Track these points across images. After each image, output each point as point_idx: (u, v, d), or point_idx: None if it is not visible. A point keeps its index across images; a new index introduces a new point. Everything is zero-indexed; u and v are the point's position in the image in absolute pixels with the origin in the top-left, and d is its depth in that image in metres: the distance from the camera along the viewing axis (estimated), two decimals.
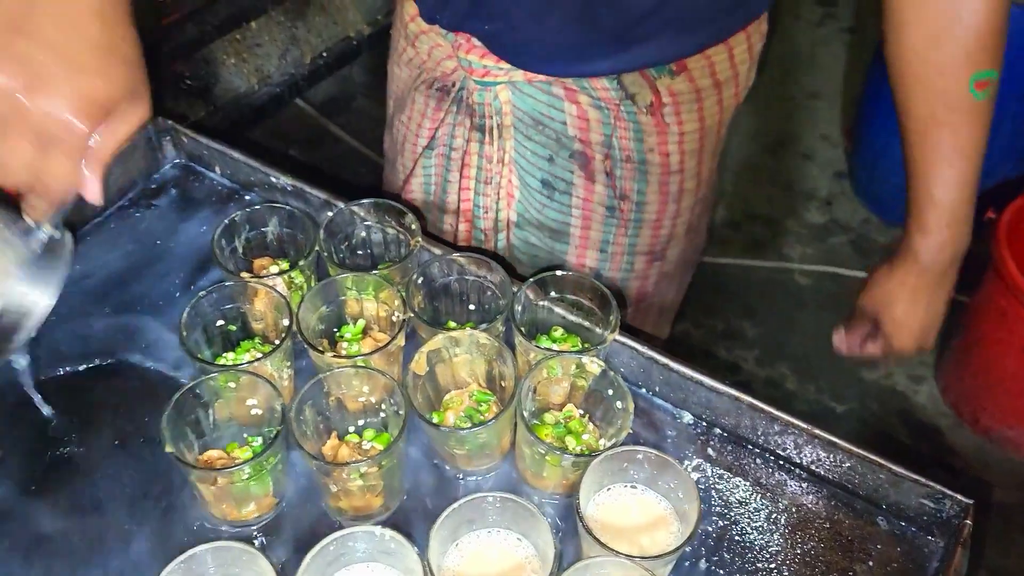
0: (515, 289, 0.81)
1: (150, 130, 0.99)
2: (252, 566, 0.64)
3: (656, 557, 0.64)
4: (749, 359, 2.25)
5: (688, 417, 0.83)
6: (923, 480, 0.73)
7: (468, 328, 0.78)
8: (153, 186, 1.01)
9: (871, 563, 0.74)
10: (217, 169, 1.00)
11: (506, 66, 0.97)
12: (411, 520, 0.75)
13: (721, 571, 0.73)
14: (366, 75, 2.66)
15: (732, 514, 0.77)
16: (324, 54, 1.86)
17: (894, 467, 0.74)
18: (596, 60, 0.95)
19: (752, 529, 0.76)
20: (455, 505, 0.66)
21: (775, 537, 0.75)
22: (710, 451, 0.81)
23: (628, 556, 0.63)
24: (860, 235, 2.51)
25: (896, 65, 0.89)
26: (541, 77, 0.97)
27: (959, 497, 0.72)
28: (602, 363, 0.74)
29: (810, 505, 0.77)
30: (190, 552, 0.63)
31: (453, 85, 1.04)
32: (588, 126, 1.00)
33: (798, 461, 0.79)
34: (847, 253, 2.47)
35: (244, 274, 0.82)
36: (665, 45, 0.94)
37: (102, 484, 0.77)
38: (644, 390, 0.84)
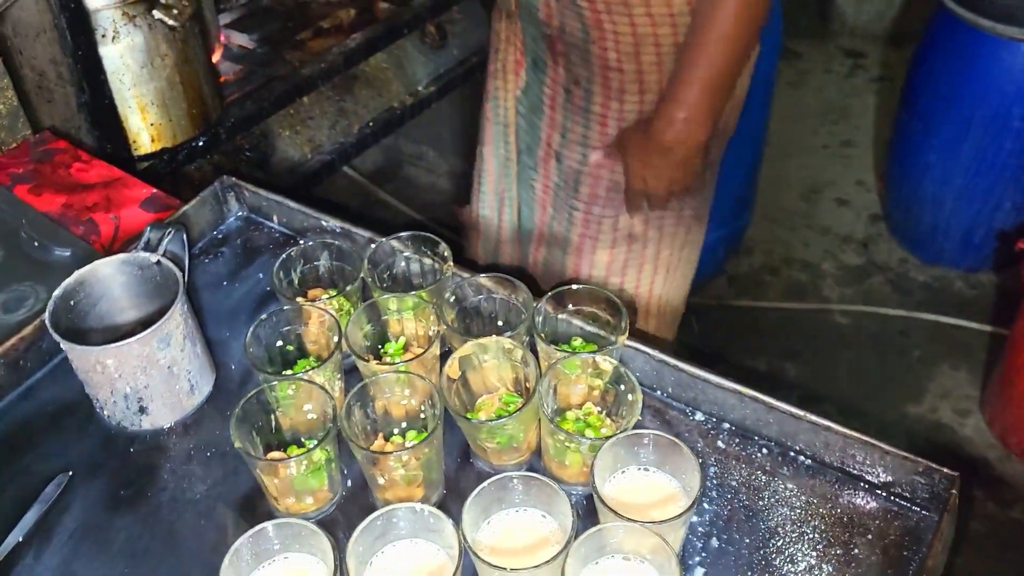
0: (536, 303, 0.91)
1: (216, 187, 1.12)
2: (311, 540, 0.73)
3: (661, 522, 0.72)
4: (792, 399, 2.30)
5: (699, 415, 0.91)
6: (913, 457, 0.80)
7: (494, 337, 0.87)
8: (219, 236, 1.14)
9: (870, 536, 0.80)
10: (275, 218, 1.13)
11: None
12: (449, 510, 0.84)
13: (731, 547, 0.81)
14: (412, 146, 2.83)
15: (740, 498, 0.84)
16: (371, 123, 2.02)
17: (886, 446, 0.81)
18: None
19: (759, 510, 0.83)
20: (485, 484, 0.74)
21: (780, 517, 0.82)
22: (720, 443, 0.89)
23: (639, 521, 0.71)
24: (899, 274, 2.55)
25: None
26: None
27: (946, 471, 0.79)
28: (614, 361, 0.83)
29: (812, 488, 0.84)
30: (257, 528, 0.73)
31: None
32: (551, 12, 1.25)
33: (799, 448, 0.86)
34: (886, 292, 2.51)
35: (299, 299, 0.93)
36: None
37: (179, 487, 0.88)
38: (658, 392, 0.92)
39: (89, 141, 1.44)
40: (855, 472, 0.84)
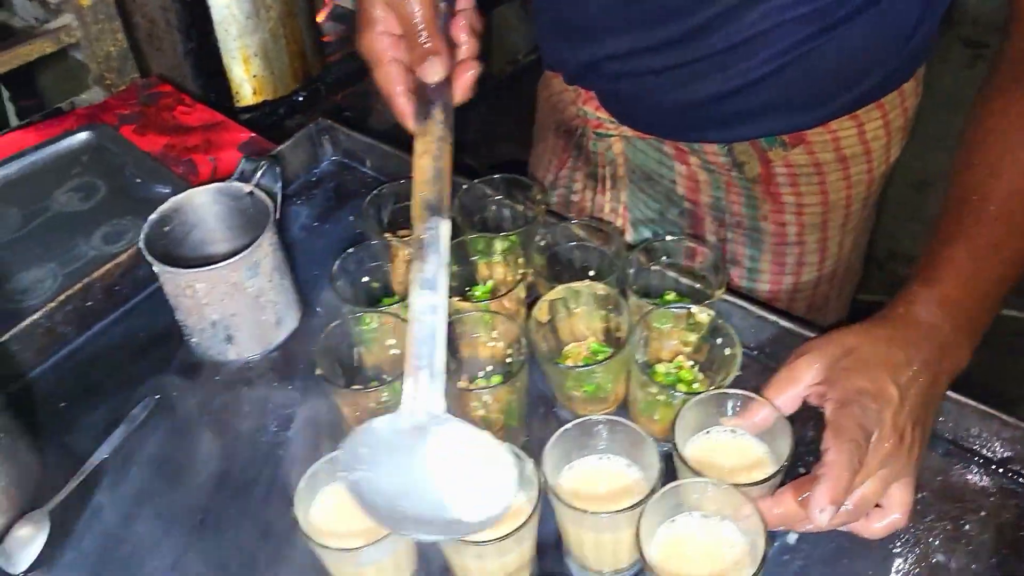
0: (628, 254, 0.87)
1: (311, 129, 1.12)
2: None
3: (748, 484, 0.67)
4: None
5: None
6: None
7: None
8: (313, 179, 1.14)
9: (983, 513, 0.74)
10: (368, 162, 1.12)
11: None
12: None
13: None
14: (509, 122, 2.81)
15: None
16: None
17: (1005, 417, 0.75)
18: (703, 129, 0.97)
19: None
20: (568, 426, 0.71)
21: None
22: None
23: (723, 482, 0.67)
24: None
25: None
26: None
27: None
28: (711, 312, 0.79)
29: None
30: (334, 453, 0.71)
31: (576, 131, 1.10)
32: (698, 187, 1.02)
33: None
34: None
35: (387, 234, 0.92)
36: (776, 119, 0.94)
37: (260, 417, 0.88)
38: (755, 351, 0.88)
39: (194, 90, 1.46)
40: (968, 445, 0.78)
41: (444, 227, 0.67)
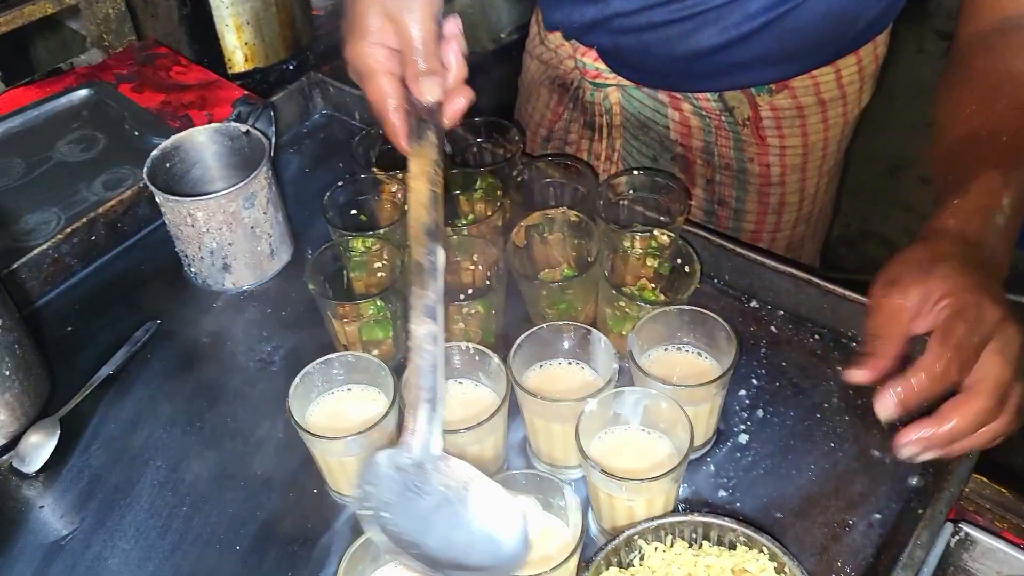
0: (598, 188, 0.94)
1: (304, 82, 1.18)
2: (378, 374, 0.78)
3: (695, 386, 0.74)
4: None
5: (754, 302, 0.93)
6: None
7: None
8: (304, 130, 1.20)
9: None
10: (356, 115, 1.19)
11: None
12: None
13: (775, 419, 0.83)
14: (492, 101, 2.88)
15: (788, 376, 0.86)
16: None
17: None
18: (697, 80, 1.04)
19: (806, 388, 0.85)
20: (534, 329, 0.78)
21: (826, 394, 0.84)
22: (772, 329, 0.91)
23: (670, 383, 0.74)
24: None
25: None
26: None
27: None
28: (671, 234, 0.86)
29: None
30: (326, 356, 0.78)
31: (572, 83, 1.16)
32: (689, 132, 1.08)
33: (852, 334, 0.88)
34: None
35: (374, 169, 0.98)
36: (765, 70, 1.01)
37: (256, 341, 0.94)
38: (715, 279, 0.95)
39: (188, 55, 1.52)
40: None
41: (441, 255, 0.68)
